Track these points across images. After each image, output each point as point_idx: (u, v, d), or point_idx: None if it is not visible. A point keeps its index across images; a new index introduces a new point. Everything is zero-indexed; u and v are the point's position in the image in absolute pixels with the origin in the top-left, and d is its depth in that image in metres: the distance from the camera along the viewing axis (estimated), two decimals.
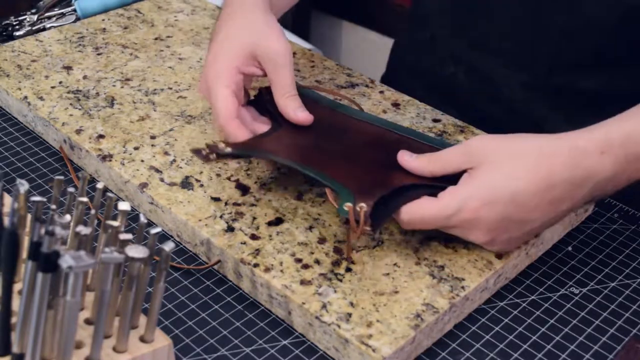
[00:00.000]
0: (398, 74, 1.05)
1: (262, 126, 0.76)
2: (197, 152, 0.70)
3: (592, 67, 0.83)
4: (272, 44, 0.76)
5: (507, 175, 0.63)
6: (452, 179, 0.67)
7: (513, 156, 0.64)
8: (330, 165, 0.70)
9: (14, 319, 0.54)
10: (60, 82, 0.90)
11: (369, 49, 1.99)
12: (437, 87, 0.96)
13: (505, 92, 0.89)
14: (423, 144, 0.75)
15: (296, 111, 0.75)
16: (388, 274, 0.66)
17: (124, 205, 0.57)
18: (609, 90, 0.85)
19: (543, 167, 0.63)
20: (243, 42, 0.77)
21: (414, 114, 0.87)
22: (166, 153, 0.79)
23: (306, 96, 0.81)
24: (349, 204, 0.64)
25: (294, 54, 0.98)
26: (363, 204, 0.64)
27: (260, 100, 0.80)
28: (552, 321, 0.66)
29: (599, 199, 0.67)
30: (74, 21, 1.07)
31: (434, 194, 0.66)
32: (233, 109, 0.74)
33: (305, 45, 1.29)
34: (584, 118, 0.67)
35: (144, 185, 0.75)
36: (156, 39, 1.01)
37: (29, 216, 0.55)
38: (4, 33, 1.04)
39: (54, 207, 0.54)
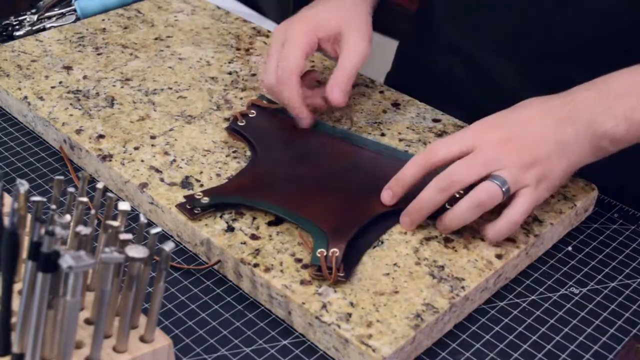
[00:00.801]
0: (403, 73, 1.05)
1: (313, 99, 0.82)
2: (181, 206, 0.71)
3: (583, 56, 0.84)
4: (357, 37, 0.80)
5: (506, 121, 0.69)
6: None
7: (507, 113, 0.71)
8: (305, 199, 0.71)
9: (14, 319, 0.54)
10: (60, 82, 0.90)
11: None
12: (437, 80, 0.97)
13: (498, 82, 0.89)
14: (398, 161, 0.76)
15: (340, 94, 0.79)
16: (388, 274, 0.66)
17: (124, 205, 0.57)
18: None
19: (533, 107, 0.70)
20: (330, 21, 0.81)
21: (414, 114, 0.87)
22: (166, 153, 0.79)
23: (284, 115, 0.82)
24: (322, 250, 0.65)
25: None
26: (336, 249, 0.65)
27: (249, 122, 0.82)
28: (552, 321, 0.66)
29: (615, 141, 0.68)
30: (74, 21, 1.07)
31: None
32: (301, 68, 0.79)
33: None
34: None
35: (144, 185, 0.75)
36: (156, 39, 1.01)
37: (29, 216, 0.55)
38: (4, 33, 1.04)
39: (54, 207, 0.54)
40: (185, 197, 0.72)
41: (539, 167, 0.67)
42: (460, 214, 0.67)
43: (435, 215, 0.70)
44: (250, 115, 0.83)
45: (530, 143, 0.67)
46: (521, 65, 0.87)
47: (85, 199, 0.59)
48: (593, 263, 0.72)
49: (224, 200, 0.71)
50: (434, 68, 0.97)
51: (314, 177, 0.74)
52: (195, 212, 0.70)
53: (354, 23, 0.81)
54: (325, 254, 0.65)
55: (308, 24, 0.81)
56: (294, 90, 0.79)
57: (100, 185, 0.60)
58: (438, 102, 0.90)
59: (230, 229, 0.70)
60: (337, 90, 0.79)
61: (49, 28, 1.05)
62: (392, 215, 0.71)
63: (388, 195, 0.71)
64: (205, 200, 0.71)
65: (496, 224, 0.67)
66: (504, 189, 0.65)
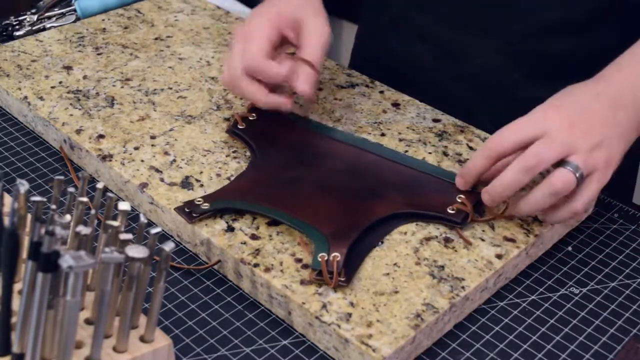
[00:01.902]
0: (362, 61, 1.05)
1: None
2: (180, 210, 0.71)
3: (562, 31, 0.85)
4: (316, 22, 0.80)
5: (565, 102, 0.69)
6: (433, 206, 0.71)
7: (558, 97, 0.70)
8: (306, 203, 0.71)
9: (14, 319, 0.54)
10: (60, 82, 0.90)
11: None
12: (400, 68, 0.97)
13: (478, 63, 0.90)
14: (398, 165, 0.76)
15: (307, 86, 0.77)
16: (388, 274, 0.66)
17: (124, 205, 0.57)
18: (579, 53, 0.87)
19: (581, 91, 0.70)
20: (288, 10, 0.80)
21: (414, 114, 0.87)
22: (166, 153, 0.79)
23: (283, 117, 0.82)
24: (323, 255, 0.65)
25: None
26: (337, 254, 0.65)
27: (250, 126, 0.82)
28: (552, 321, 0.66)
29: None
30: (74, 21, 1.07)
31: (414, 218, 0.71)
32: (269, 50, 0.77)
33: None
34: (555, 83, 0.72)
35: (144, 185, 0.75)
36: (156, 39, 1.01)
37: (29, 216, 0.55)
38: (4, 33, 1.04)
39: (54, 207, 0.54)
40: (185, 203, 0.71)
41: (605, 150, 0.67)
42: (535, 202, 0.67)
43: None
44: (251, 119, 0.83)
45: (596, 125, 0.67)
46: (504, 44, 0.87)
47: (85, 199, 0.59)
48: (593, 263, 0.72)
49: (224, 206, 0.71)
50: (397, 55, 0.98)
51: (314, 181, 0.74)
52: (194, 215, 0.70)
53: (312, 10, 0.81)
54: (326, 258, 0.65)
55: (268, 16, 0.80)
56: (267, 72, 0.77)
57: (100, 185, 0.60)
58: (399, 88, 0.91)
59: (230, 229, 0.70)
60: (303, 84, 0.78)
61: (49, 28, 1.05)
62: (393, 219, 0.71)
63: (460, 183, 0.72)
64: (206, 206, 0.71)
65: (560, 212, 0.68)
66: (577, 175, 0.65)
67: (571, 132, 0.66)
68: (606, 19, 0.82)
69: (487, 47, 0.88)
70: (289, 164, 0.76)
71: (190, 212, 0.70)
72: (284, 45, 0.82)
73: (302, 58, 0.78)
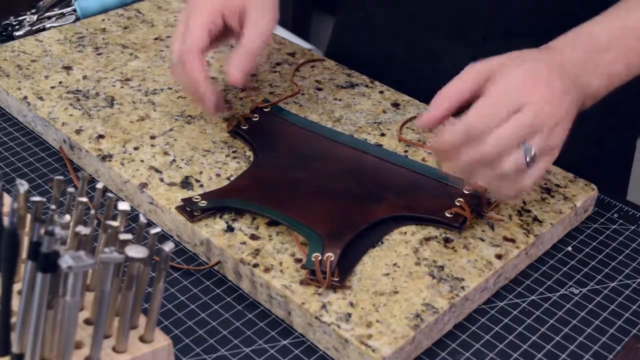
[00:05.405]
0: (337, 56, 1.05)
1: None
2: (181, 208, 0.71)
3: (527, 34, 0.85)
4: (261, 10, 0.77)
5: (522, 63, 0.66)
6: (431, 209, 0.71)
7: (510, 58, 0.67)
8: (303, 203, 0.71)
9: (13, 319, 0.54)
10: (60, 82, 0.90)
11: None
12: (375, 64, 0.97)
13: (445, 63, 0.90)
14: (398, 167, 0.76)
15: (237, 72, 0.75)
16: (388, 274, 0.66)
17: (123, 205, 0.57)
18: None
19: (537, 61, 0.66)
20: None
21: (413, 114, 0.87)
22: (166, 153, 0.79)
23: (283, 117, 0.82)
24: (317, 254, 0.65)
25: (294, 54, 0.98)
26: (331, 254, 0.65)
27: (253, 125, 0.82)
28: (552, 321, 0.66)
29: (594, 97, 0.69)
30: (74, 21, 1.07)
31: (412, 218, 0.70)
32: (205, 43, 0.75)
33: (305, 45, 1.29)
34: None
35: (143, 185, 0.75)
36: (156, 39, 1.00)
37: (29, 216, 0.55)
38: (4, 33, 1.04)
39: (53, 207, 0.54)
40: (183, 200, 0.72)
41: (562, 129, 0.64)
42: (485, 183, 0.65)
43: None
44: (254, 119, 0.83)
45: (561, 103, 0.65)
46: (472, 45, 0.87)
47: (85, 199, 0.59)
48: (593, 263, 0.72)
49: (222, 204, 0.71)
50: (371, 52, 0.98)
51: (313, 182, 0.74)
52: (195, 214, 0.70)
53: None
54: (320, 258, 0.65)
55: (212, 1, 0.78)
56: (195, 64, 0.75)
57: (100, 186, 0.60)
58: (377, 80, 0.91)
59: (230, 229, 0.70)
60: (234, 67, 0.76)
61: (49, 28, 1.05)
62: (391, 220, 0.71)
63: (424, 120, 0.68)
64: (203, 203, 0.71)
65: (507, 189, 0.65)
66: (528, 160, 0.63)
67: (544, 110, 0.63)
68: (570, 24, 0.82)
69: (456, 48, 0.89)
70: (289, 165, 0.76)
71: (190, 210, 0.71)
72: (228, 35, 0.80)
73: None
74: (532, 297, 0.68)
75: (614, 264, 0.72)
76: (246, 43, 0.77)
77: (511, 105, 0.62)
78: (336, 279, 0.64)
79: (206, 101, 0.77)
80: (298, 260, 0.67)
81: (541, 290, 0.69)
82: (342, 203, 0.71)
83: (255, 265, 0.66)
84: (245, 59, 0.76)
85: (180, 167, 0.77)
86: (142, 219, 0.56)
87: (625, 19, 0.70)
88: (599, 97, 0.69)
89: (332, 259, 0.65)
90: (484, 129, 0.62)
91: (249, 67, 0.77)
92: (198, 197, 0.71)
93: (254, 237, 0.69)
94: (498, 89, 0.64)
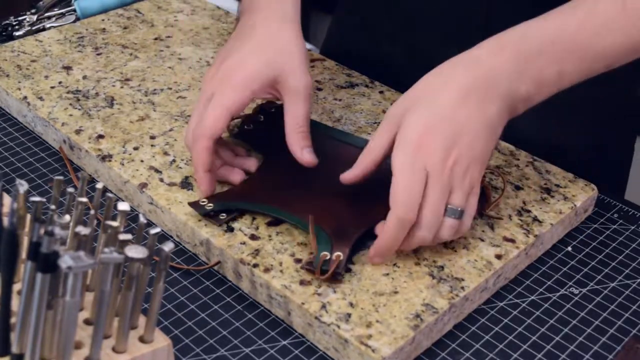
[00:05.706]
0: (334, 55, 1.05)
1: (233, 174, 0.75)
2: (194, 204, 0.71)
3: None
4: (297, 75, 0.73)
5: (427, 104, 0.66)
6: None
7: (424, 90, 0.68)
8: (311, 203, 0.71)
9: (13, 319, 0.54)
10: (60, 82, 0.90)
11: None
12: (372, 66, 0.97)
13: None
14: None
15: (303, 151, 0.73)
16: (387, 274, 0.66)
17: (123, 206, 0.57)
18: None
19: (451, 85, 0.66)
20: (263, 68, 0.72)
21: None
22: (166, 153, 0.79)
23: None
24: (325, 253, 0.65)
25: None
26: (340, 253, 0.65)
27: (260, 123, 0.82)
28: (552, 321, 0.66)
29: (526, 102, 0.67)
30: (74, 21, 1.07)
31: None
32: (220, 131, 0.71)
33: (305, 45, 1.29)
34: None
35: (143, 186, 0.75)
36: (156, 39, 1.00)
37: (29, 216, 0.55)
38: (4, 33, 1.04)
39: (53, 207, 0.54)
40: (189, 204, 0.71)
41: (477, 166, 0.65)
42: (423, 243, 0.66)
43: None
44: (259, 120, 0.83)
45: (471, 143, 0.64)
46: (468, 47, 0.88)
47: (84, 199, 0.59)
48: (593, 263, 0.72)
49: (229, 206, 0.71)
50: (368, 54, 0.98)
51: (319, 182, 0.74)
52: (207, 208, 0.70)
53: (289, 60, 0.73)
54: (328, 257, 0.65)
55: (238, 77, 0.72)
56: (201, 154, 0.71)
57: (99, 186, 0.60)
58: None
59: (230, 229, 0.70)
60: (296, 147, 0.73)
61: (49, 28, 1.05)
62: None
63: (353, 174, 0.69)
64: (210, 206, 0.71)
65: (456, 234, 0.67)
66: (457, 216, 0.65)
67: (449, 168, 0.63)
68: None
69: (453, 51, 0.89)
70: (294, 166, 0.76)
71: (203, 206, 0.71)
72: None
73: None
74: (532, 297, 0.68)
75: (613, 264, 0.72)
76: (297, 122, 0.73)
77: (418, 173, 0.63)
78: (340, 273, 0.64)
79: (200, 187, 0.73)
80: (298, 261, 0.67)
81: (541, 290, 0.69)
82: (347, 203, 0.72)
83: (255, 266, 0.66)
84: (304, 137, 0.74)
85: (180, 167, 0.77)
86: (142, 219, 0.56)
87: (565, 20, 0.67)
88: (534, 101, 0.67)
89: (341, 258, 0.65)
90: (412, 215, 0.63)
91: (309, 142, 0.74)
92: (205, 200, 0.71)
93: (253, 237, 0.69)
94: (402, 155, 0.64)
